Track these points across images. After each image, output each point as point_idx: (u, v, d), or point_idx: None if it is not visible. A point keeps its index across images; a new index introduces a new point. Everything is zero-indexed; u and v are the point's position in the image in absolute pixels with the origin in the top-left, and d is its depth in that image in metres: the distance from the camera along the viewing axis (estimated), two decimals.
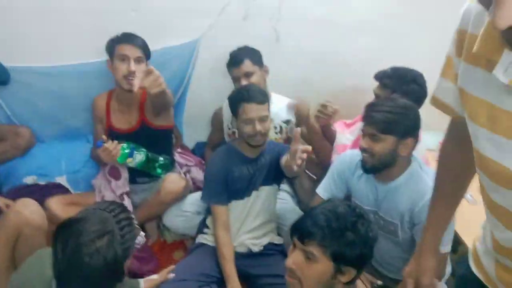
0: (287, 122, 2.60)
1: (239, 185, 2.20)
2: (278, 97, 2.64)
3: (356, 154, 1.97)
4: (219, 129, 2.78)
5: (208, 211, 2.29)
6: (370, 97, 2.32)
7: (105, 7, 2.53)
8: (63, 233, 1.25)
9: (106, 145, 2.20)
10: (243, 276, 2.13)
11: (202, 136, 3.01)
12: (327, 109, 2.28)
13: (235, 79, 2.52)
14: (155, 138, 2.47)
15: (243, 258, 2.20)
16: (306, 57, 2.81)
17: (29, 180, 2.50)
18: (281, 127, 2.58)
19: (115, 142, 2.24)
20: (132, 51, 2.33)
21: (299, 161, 1.85)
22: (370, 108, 1.85)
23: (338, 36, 2.76)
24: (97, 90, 2.65)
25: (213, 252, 2.18)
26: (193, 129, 3.02)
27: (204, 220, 2.35)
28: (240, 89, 2.18)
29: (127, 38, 2.37)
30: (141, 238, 1.48)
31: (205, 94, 2.77)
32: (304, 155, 1.86)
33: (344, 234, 1.29)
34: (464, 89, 0.90)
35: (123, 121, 2.50)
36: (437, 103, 1.05)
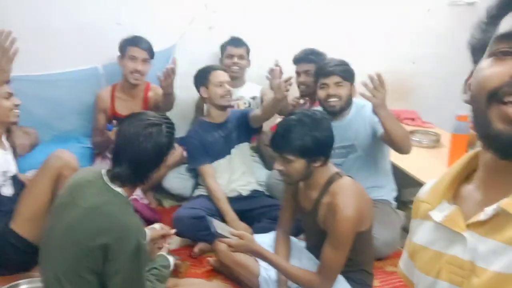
0: (253, 98, 3.22)
1: (216, 147, 2.74)
2: (249, 83, 3.30)
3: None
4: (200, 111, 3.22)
5: (197, 174, 2.85)
6: None
7: (91, 21, 2.99)
8: (125, 121, 1.68)
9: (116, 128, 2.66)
10: (238, 214, 2.63)
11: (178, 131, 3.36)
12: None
13: (228, 57, 3.15)
14: None
15: (236, 200, 2.72)
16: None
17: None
18: (249, 102, 3.23)
19: None
20: (140, 53, 2.82)
21: (285, 89, 2.39)
22: (325, 65, 2.48)
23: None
24: (86, 95, 3.05)
25: (209, 199, 2.68)
26: None
27: (196, 182, 2.92)
28: (206, 67, 2.75)
29: (138, 41, 2.84)
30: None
31: (181, 95, 3.12)
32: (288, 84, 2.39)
33: (302, 136, 1.79)
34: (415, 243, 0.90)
35: (127, 109, 2.90)
36: (400, 274, 1.00)
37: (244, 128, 2.76)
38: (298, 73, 3.01)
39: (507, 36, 0.71)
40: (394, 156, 2.70)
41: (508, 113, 0.68)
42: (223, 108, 2.72)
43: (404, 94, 3.69)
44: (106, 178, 1.63)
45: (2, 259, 2.16)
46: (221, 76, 2.68)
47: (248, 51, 3.19)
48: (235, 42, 3.16)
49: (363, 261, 1.95)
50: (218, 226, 1.94)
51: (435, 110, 3.44)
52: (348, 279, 1.90)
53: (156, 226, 2.10)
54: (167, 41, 3.16)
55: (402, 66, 3.64)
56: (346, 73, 2.43)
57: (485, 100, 0.71)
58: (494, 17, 0.76)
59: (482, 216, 0.73)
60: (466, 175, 0.85)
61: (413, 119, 3.46)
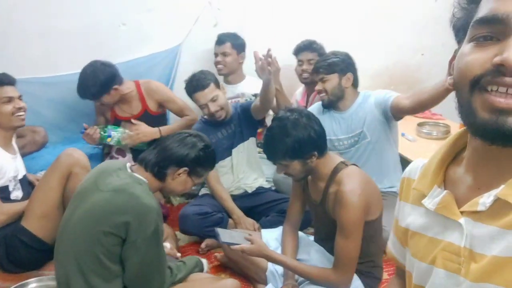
0: (255, 95, 3.09)
1: (219, 148, 2.58)
2: (249, 78, 3.15)
3: (318, 104, 2.62)
4: None
5: None
6: None
7: (97, 23, 3.01)
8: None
9: (87, 131, 2.69)
10: (244, 211, 2.62)
11: None
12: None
13: (215, 55, 3.07)
14: (154, 121, 2.91)
15: (242, 197, 2.72)
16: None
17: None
18: (251, 100, 3.09)
19: (94, 126, 2.72)
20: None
21: (268, 66, 2.30)
22: (316, 62, 2.52)
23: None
24: None
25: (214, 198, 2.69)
26: None
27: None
28: (187, 84, 2.60)
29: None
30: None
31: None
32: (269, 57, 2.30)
33: (283, 141, 1.81)
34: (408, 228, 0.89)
35: (126, 111, 2.93)
36: (389, 255, 1.04)
37: (248, 122, 2.71)
38: (301, 62, 3.01)
39: (486, 20, 0.68)
40: (403, 148, 2.68)
41: (492, 102, 0.66)
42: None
43: (412, 86, 3.64)
44: (129, 168, 1.72)
45: (14, 257, 2.19)
46: (200, 99, 2.54)
47: (234, 45, 3.05)
48: (218, 40, 3.07)
49: (372, 252, 1.93)
50: (224, 235, 1.96)
51: (444, 101, 3.36)
52: (356, 271, 1.87)
53: (167, 245, 2.11)
54: (173, 41, 3.18)
55: (409, 57, 3.62)
56: (329, 67, 2.43)
57: (468, 88, 0.69)
58: None
59: (480, 207, 0.72)
60: (454, 155, 0.84)
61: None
